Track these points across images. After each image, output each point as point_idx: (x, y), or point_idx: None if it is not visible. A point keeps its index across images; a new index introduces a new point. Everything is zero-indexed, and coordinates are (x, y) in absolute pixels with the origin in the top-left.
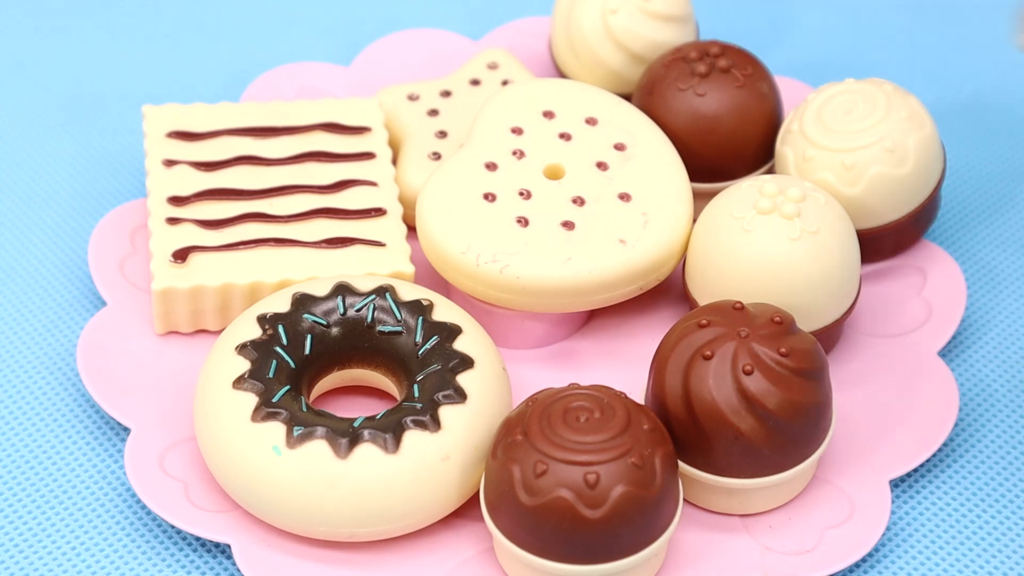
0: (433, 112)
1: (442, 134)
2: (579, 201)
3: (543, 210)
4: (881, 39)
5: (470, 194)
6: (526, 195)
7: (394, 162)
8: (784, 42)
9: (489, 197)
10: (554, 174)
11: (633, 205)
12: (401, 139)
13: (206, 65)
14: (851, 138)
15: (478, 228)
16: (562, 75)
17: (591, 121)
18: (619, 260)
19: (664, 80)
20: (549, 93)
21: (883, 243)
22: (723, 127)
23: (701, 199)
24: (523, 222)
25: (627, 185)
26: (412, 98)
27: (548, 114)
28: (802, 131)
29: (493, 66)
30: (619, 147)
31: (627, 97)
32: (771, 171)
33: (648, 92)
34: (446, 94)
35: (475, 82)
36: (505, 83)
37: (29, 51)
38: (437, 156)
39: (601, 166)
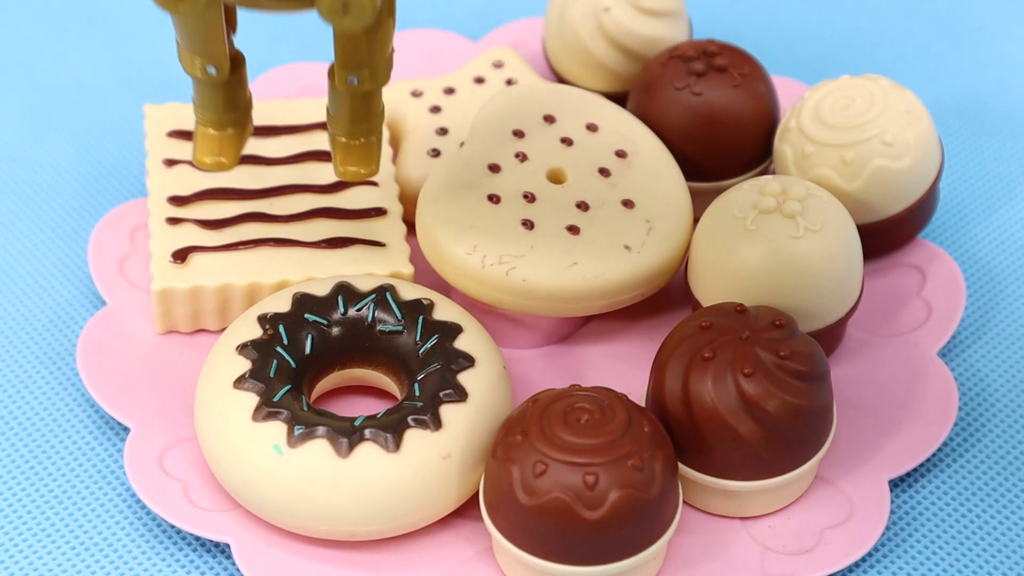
0: (435, 109)
1: (443, 131)
2: (583, 206)
3: (548, 214)
4: (879, 39)
5: (474, 195)
6: (530, 198)
7: (394, 159)
8: (781, 41)
9: (494, 199)
10: (557, 178)
11: (637, 212)
12: (402, 135)
13: None
14: (849, 133)
15: (484, 229)
16: (556, 74)
17: (592, 127)
18: (625, 266)
19: (661, 79)
20: (549, 97)
21: (882, 239)
22: (720, 126)
23: (700, 198)
24: (528, 225)
25: (630, 192)
26: (415, 94)
27: (549, 118)
28: (800, 128)
29: (498, 64)
30: (620, 154)
31: (622, 95)
32: (769, 170)
33: (645, 91)
34: (449, 91)
35: (479, 80)
36: (509, 82)
37: (29, 51)
38: (436, 153)
39: (604, 172)
